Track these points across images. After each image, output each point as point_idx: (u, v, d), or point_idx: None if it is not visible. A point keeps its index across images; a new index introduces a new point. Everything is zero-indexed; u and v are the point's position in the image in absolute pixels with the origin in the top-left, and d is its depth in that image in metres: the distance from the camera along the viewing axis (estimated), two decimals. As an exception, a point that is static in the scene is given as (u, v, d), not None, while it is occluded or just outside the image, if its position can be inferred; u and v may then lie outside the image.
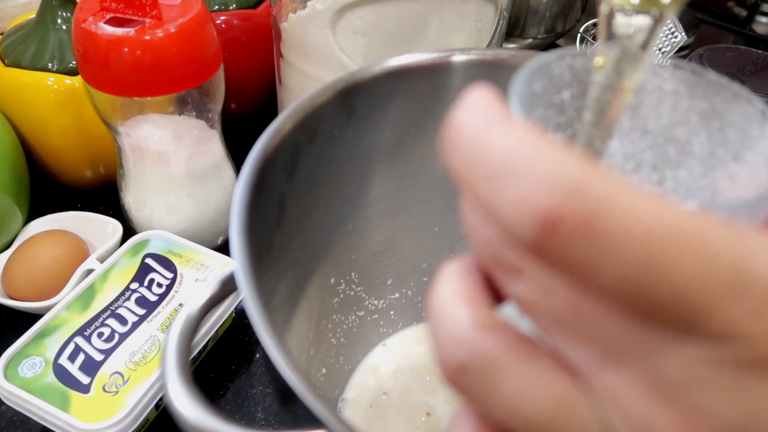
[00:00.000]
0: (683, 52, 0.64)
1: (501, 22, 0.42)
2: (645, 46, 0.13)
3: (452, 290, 0.13)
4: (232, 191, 0.24)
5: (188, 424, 0.19)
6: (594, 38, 0.54)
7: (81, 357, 0.33)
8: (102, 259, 0.41)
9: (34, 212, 0.45)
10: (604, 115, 0.14)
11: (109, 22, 0.36)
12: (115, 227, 0.43)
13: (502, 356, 0.12)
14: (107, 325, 0.35)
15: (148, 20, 0.36)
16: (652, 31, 0.13)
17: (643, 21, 0.13)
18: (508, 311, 0.13)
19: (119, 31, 0.35)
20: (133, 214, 0.44)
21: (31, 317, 0.38)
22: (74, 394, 0.32)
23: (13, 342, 0.33)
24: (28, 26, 0.44)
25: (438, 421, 0.35)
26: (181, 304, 0.37)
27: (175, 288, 0.37)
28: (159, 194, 0.43)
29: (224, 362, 0.40)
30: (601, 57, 0.14)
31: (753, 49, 0.53)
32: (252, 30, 0.51)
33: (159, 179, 0.42)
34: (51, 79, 0.43)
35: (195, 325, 0.22)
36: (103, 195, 0.50)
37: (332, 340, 0.36)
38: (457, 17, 0.39)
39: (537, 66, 0.15)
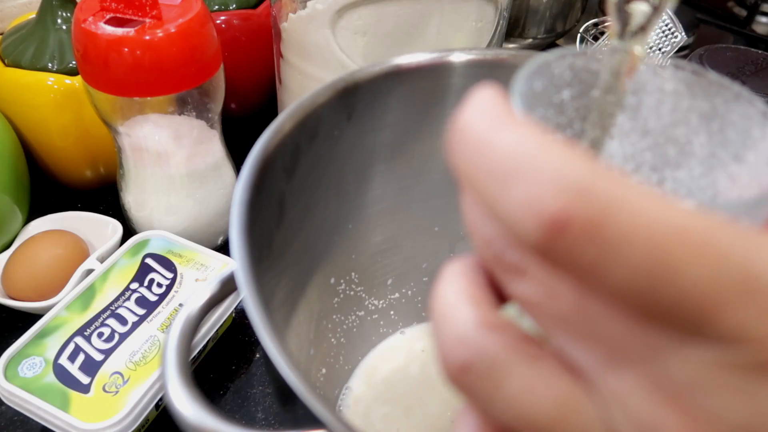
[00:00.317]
0: (683, 52, 0.64)
1: (501, 22, 0.42)
2: (644, 29, 0.13)
3: (455, 289, 0.13)
4: (232, 191, 0.24)
5: (188, 424, 0.19)
6: (594, 38, 0.54)
7: (81, 357, 0.33)
8: (102, 259, 0.41)
9: (34, 212, 0.45)
10: (603, 114, 0.14)
11: (109, 22, 0.36)
12: (115, 227, 0.43)
13: (506, 356, 0.12)
14: (107, 325, 0.35)
15: (148, 20, 0.36)
16: (652, 17, 0.13)
17: (643, 7, 0.13)
18: (511, 311, 0.13)
19: (119, 31, 0.35)
20: (133, 214, 0.44)
21: (31, 317, 0.38)
22: (74, 394, 0.32)
23: (13, 342, 0.33)
24: (28, 26, 0.44)
25: (439, 420, 0.35)
26: (181, 304, 0.37)
27: (175, 288, 0.37)
28: (159, 194, 0.43)
29: (224, 362, 0.40)
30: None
31: (753, 49, 0.53)
32: (252, 30, 0.51)
33: (159, 179, 0.42)
34: (51, 79, 0.43)
35: (195, 325, 0.22)
36: (103, 195, 0.50)
37: (332, 340, 0.36)
38: (457, 17, 0.39)
39: (538, 65, 0.15)
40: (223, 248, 0.46)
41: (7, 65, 0.44)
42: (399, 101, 0.31)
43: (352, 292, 0.36)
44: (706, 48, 0.53)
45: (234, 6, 0.51)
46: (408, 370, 0.38)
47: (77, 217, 0.45)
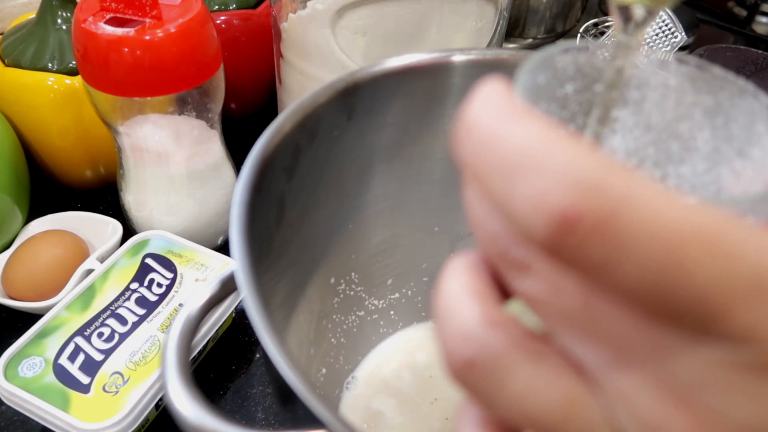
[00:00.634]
0: (683, 52, 0.64)
1: (501, 22, 0.42)
2: (641, 25, 0.13)
3: (460, 285, 0.13)
4: (232, 191, 0.24)
5: (188, 424, 0.19)
6: (594, 38, 0.54)
7: (81, 357, 0.33)
8: (102, 259, 0.41)
9: (34, 212, 0.45)
10: (606, 108, 0.14)
11: (109, 22, 0.36)
12: (115, 227, 0.43)
13: (510, 353, 0.12)
14: (107, 325, 0.35)
15: (148, 20, 0.36)
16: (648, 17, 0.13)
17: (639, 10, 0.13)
18: (515, 308, 0.13)
19: (119, 31, 0.35)
20: (133, 214, 0.44)
21: (31, 317, 0.38)
22: (74, 394, 0.32)
23: (13, 342, 0.33)
24: (28, 26, 0.44)
25: (439, 420, 0.35)
26: (181, 304, 0.37)
27: (175, 288, 0.37)
28: (159, 194, 0.43)
29: (224, 362, 0.40)
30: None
31: (753, 49, 0.53)
32: (252, 30, 0.51)
33: (159, 179, 0.42)
34: (51, 79, 0.43)
35: (195, 325, 0.22)
36: (103, 195, 0.50)
37: (332, 340, 0.36)
38: (457, 17, 0.39)
39: (541, 59, 0.15)
40: (223, 248, 0.46)
41: (7, 65, 0.44)
42: (399, 101, 0.31)
43: (352, 292, 0.36)
44: (706, 48, 0.53)
45: (234, 6, 0.51)
46: (408, 370, 0.38)
47: (77, 217, 0.45)
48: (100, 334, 0.34)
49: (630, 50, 0.14)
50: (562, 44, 0.15)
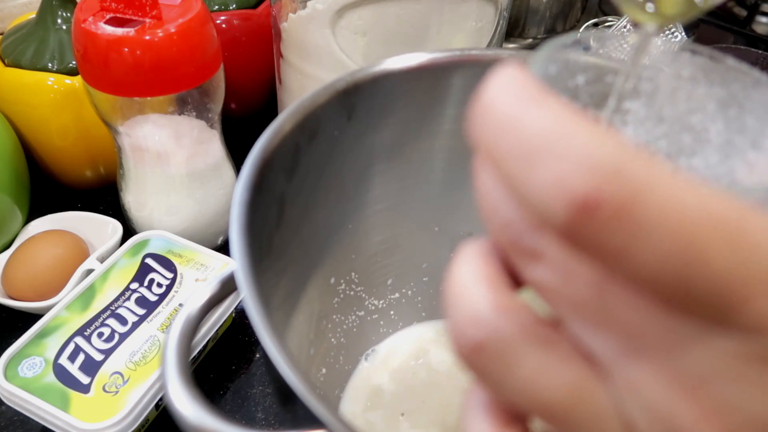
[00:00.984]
0: (683, 52, 0.64)
1: (501, 22, 0.42)
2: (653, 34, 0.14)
3: (472, 270, 0.13)
4: (232, 191, 0.24)
5: (188, 424, 0.19)
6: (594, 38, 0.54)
7: (81, 357, 0.33)
8: (102, 259, 0.41)
9: (34, 212, 0.45)
10: (618, 100, 0.14)
11: (109, 22, 0.36)
12: (115, 227, 0.43)
13: (520, 339, 0.12)
14: (107, 325, 0.35)
15: (148, 20, 0.36)
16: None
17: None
18: (526, 296, 0.13)
19: (119, 31, 0.35)
20: (133, 214, 0.44)
21: (31, 317, 0.38)
22: (74, 394, 0.32)
23: (13, 342, 0.33)
24: (28, 26, 0.44)
25: (440, 419, 0.35)
26: (181, 304, 0.37)
27: (175, 288, 0.37)
28: (159, 194, 0.43)
29: (224, 362, 0.40)
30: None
31: (753, 49, 0.53)
32: (252, 30, 0.51)
33: (159, 179, 0.42)
34: (51, 79, 0.43)
35: (195, 325, 0.22)
36: (103, 195, 0.50)
37: (332, 340, 0.36)
38: (457, 17, 0.39)
39: (553, 49, 0.15)
40: (223, 248, 0.46)
41: (7, 65, 0.44)
42: (399, 101, 0.31)
43: (352, 292, 0.36)
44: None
45: (234, 6, 0.51)
46: (408, 370, 0.38)
47: (77, 217, 0.45)
48: (100, 334, 0.34)
49: (644, 44, 0.14)
50: (574, 34, 0.15)
